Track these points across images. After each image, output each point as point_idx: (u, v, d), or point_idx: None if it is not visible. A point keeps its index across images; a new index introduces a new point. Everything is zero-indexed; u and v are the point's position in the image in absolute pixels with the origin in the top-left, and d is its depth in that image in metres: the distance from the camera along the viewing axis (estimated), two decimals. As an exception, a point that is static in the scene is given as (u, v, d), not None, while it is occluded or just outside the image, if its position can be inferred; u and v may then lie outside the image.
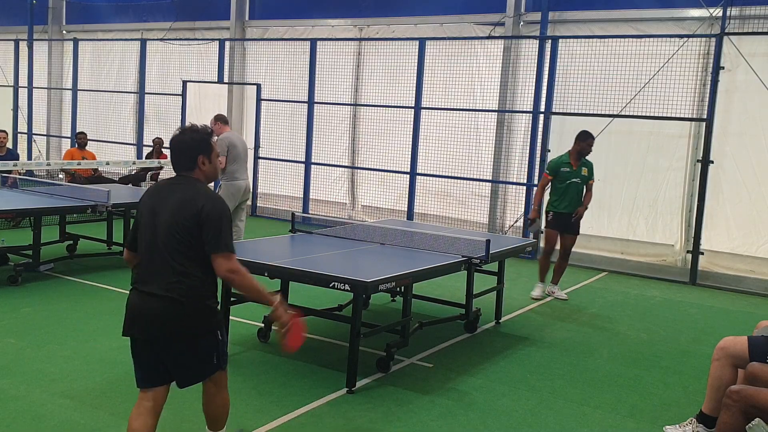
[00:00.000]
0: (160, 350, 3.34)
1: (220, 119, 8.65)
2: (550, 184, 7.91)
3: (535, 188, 10.38)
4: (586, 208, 7.92)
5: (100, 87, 15.48)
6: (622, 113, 9.66)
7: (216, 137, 8.48)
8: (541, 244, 8.53)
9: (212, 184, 9.07)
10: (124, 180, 12.46)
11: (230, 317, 5.44)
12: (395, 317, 6.32)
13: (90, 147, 12.83)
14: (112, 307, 6.65)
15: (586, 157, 7.87)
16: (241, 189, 8.58)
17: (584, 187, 7.86)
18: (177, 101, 13.72)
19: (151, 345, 3.33)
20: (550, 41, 10.24)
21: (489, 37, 11.12)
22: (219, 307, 3.51)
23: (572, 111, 10.04)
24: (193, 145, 3.39)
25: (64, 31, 16.72)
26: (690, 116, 9.39)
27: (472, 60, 11.21)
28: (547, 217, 7.96)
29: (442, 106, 11.29)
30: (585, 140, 7.74)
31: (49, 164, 13.30)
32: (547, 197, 8.09)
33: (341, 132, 12.52)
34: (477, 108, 11.11)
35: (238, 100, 13.73)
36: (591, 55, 9.96)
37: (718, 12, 9.27)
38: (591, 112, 9.83)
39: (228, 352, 3.62)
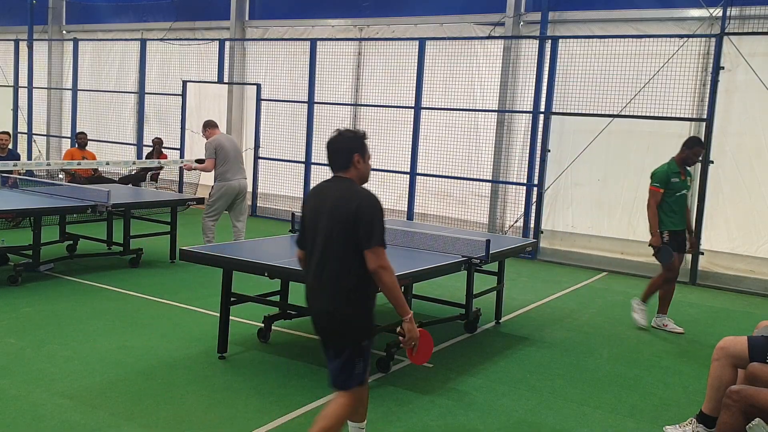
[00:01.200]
0: (327, 350, 3.54)
1: (208, 125, 8.96)
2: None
3: (535, 188, 10.40)
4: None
5: (101, 87, 15.49)
6: (622, 113, 9.66)
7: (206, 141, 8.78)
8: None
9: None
10: (124, 180, 12.47)
11: (230, 317, 5.45)
12: (395, 317, 6.30)
13: (90, 147, 12.84)
14: (112, 307, 6.66)
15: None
16: (233, 189, 8.73)
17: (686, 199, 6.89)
18: (177, 101, 13.73)
19: (324, 345, 3.53)
20: (550, 41, 10.23)
21: (489, 37, 11.12)
22: (371, 319, 3.53)
23: (572, 111, 10.04)
24: (350, 144, 3.58)
25: (64, 31, 16.72)
26: (690, 116, 9.39)
27: (472, 60, 11.20)
28: (661, 238, 6.78)
29: (442, 106, 11.29)
30: (692, 148, 6.73)
31: (49, 164, 13.30)
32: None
33: (341, 132, 12.51)
34: (477, 108, 11.11)
35: (238, 100, 13.74)
36: (591, 55, 9.96)
37: (718, 12, 9.27)
38: (591, 112, 9.84)
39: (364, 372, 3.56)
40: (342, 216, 3.39)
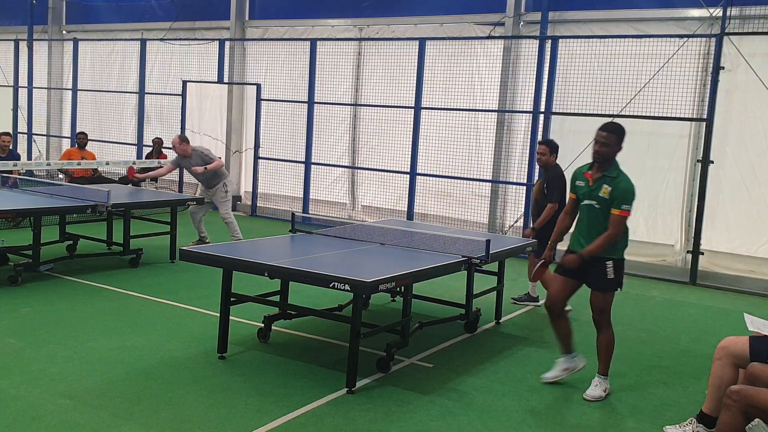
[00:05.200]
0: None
1: (184, 140, 9.45)
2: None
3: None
4: (591, 253, 5.07)
5: (101, 87, 15.48)
6: (622, 113, 9.65)
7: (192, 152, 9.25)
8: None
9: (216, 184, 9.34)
10: (124, 180, 12.46)
11: (230, 317, 5.45)
12: (395, 317, 6.31)
13: (91, 147, 12.82)
14: (112, 307, 6.66)
15: (620, 171, 5.45)
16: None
17: (605, 215, 5.23)
18: (177, 101, 13.73)
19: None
20: (550, 41, 10.23)
21: (489, 37, 11.11)
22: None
23: (572, 111, 10.04)
24: None
25: (64, 31, 16.71)
26: (690, 116, 9.39)
27: (472, 60, 11.20)
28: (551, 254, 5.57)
29: (442, 106, 11.28)
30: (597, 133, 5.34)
31: (49, 164, 13.29)
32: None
33: (341, 132, 12.52)
34: (477, 108, 11.11)
35: (238, 100, 13.73)
36: (591, 55, 9.95)
37: (718, 12, 9.27)
38: (591, 112, 9.83)
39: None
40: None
